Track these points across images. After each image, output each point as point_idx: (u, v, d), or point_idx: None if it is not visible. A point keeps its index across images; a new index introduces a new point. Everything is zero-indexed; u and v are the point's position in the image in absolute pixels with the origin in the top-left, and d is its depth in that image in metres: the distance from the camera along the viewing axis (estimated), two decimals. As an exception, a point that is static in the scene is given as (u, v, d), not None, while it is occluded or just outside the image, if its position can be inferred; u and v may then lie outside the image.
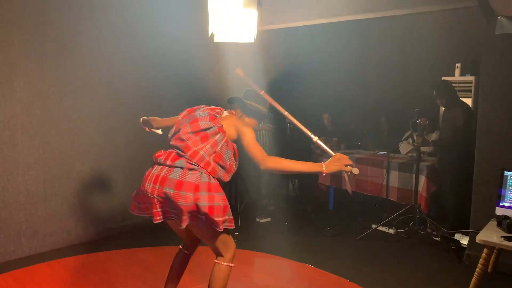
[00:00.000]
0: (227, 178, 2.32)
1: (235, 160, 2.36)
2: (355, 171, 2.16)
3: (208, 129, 2.29)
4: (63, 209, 4.01)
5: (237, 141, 2.35)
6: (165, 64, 4.63)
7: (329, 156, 2.25)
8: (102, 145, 4.25)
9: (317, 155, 5.92)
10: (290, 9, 4.68)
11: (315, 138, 2.28)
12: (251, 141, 2.26)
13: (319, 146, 2.30)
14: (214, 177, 2.25)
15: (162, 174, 2.20)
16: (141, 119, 2.83)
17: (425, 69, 5.68)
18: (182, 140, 2.30)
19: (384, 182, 4.69)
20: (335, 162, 2.15)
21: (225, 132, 2.30)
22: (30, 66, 3.69)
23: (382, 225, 4.43)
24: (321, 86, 6.07)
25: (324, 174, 2.18)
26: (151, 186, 2.20)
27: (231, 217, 2.27)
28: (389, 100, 6.13)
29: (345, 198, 5.57)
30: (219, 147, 2.27)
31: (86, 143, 4.12)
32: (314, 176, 5.48)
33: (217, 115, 2.38)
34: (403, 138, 5.28)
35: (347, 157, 2.18)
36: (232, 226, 2.27)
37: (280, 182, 5.40)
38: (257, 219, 4.83)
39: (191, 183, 2.15)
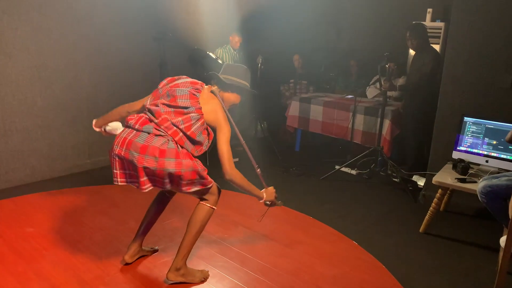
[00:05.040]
0: (194, 152, 2.31)
1: (208, 142, 2.39)
2: (279, 204, 2.69)
3: (185, 108, 2.28)
4: (25, 145, 3.90)
5: (213, 129, 2.38)
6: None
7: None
8: (65, 80, 4.07)
9: (286, 98, 5.93)
10: None
11: (258, 170, 2.66)
12: (226, 142, 2.33)
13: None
14: (181, 146, 2.25)
15: (129, 137, 2.21)
16: (94, 121, 2.55)
17: (397, 13, 5.63)
18: (156, 106, 2.31)
19: (350, 125, 4.80)
20: (271, 193, 2.59)
21: (202, 114, 2.30)
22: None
23: (345, 166, 4.60)
24: (293, 26, 5.94)
25: (261, 201, 2.55)
26: (117, 148, 2.22)
27: (206, 180, 2.31)
28: (360, 44, 6.10)
29: (311, 140, 5.69)
30: (194, 127, 2.27)
31: (47, 77, 3.93)
32: (282, 118, 5.53)
33: (197, 93, 2.35)
34: (370, 83, 5.34)
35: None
36: (209, 183, 2.34)
37: (249, 123, 5.42)
38: (225, 159, 4.88)
39: (156, 148, 2.15)
